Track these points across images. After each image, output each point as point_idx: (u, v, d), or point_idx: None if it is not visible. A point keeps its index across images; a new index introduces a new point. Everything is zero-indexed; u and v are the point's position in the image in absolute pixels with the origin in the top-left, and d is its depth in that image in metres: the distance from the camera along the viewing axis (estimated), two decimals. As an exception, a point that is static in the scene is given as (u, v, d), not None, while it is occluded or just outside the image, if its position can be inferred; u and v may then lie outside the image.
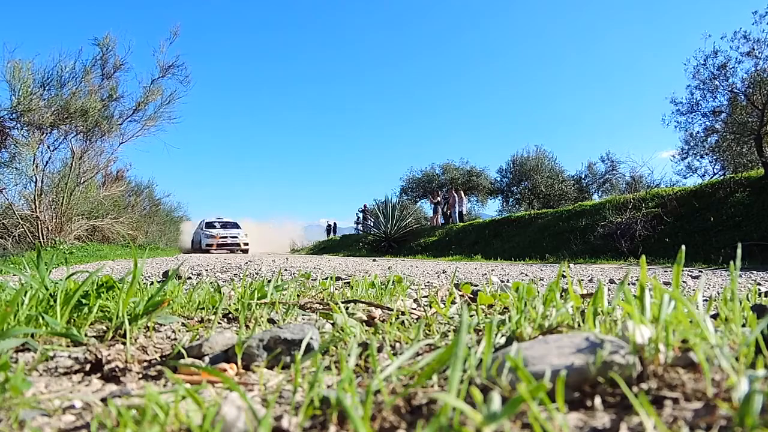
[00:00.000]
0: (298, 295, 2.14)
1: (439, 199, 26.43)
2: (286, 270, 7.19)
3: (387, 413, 0.67)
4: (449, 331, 1.34)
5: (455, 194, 24.77)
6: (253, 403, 0.67)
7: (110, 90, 17.12)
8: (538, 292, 1.53)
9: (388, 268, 8.83)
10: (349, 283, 2.70)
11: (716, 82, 16.29)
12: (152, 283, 2.13)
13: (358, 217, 31.64)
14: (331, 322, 1.46)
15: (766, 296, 2.76)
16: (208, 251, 25.33)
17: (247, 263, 10.00)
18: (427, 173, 34.86)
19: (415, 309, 1.82)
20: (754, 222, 10.95)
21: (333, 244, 30.98)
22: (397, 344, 1.20)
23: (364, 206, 30.16)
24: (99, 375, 0.98)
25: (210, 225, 27.74)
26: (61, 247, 15.39)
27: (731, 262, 0.94)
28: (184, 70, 18.35)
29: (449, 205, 25.11)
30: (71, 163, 17.21)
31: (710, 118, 17.39)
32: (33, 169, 16.09)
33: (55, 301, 1.25)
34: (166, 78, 18.36)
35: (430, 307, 1.72)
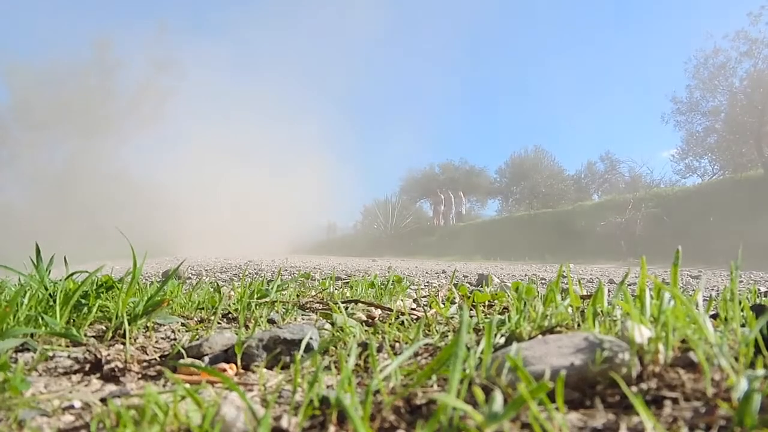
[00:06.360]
0: (297, 295, 2.14)
1: (438, 199, 26.45)
2: (285, 270, 7.19)
3: (387, 413, 0.67)
4: (449, 332, 1.34)
5: (455, 194, 24.79)
6: (253, 403, 0.67)
7: (108, 89, 17.13)
8: (538, 292, 1.53)
9: (388, 268, 8.83)
10: (348, 283, 2.70)
11: (716, 82, 16.30)
12: (152, 282, 2.12)
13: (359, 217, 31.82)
14: (331, 322, 1.45)
15: (765, 296, 2.76)
16: None
17: (246, 263, 10.00)
18: (427, 173, 34.93)
19: (414, 309, 1.82)
20: (754, 222, 10.96)
21: (333, 244, 30.99)
22: (397, 344, 1.20)
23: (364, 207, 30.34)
24: (98, 375, 0.98)
25: None
26: (61, 246, 15.37)
27: (731, 262, 0.94)
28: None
29: (449, 205, 25.12)
30: (71, 163, 17.21)
31: (710, 118, 17.41)
32: (33, 169, 16.08)
33: (54, 301, 1.25)
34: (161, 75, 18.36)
35: (430, 307, 1.72)
